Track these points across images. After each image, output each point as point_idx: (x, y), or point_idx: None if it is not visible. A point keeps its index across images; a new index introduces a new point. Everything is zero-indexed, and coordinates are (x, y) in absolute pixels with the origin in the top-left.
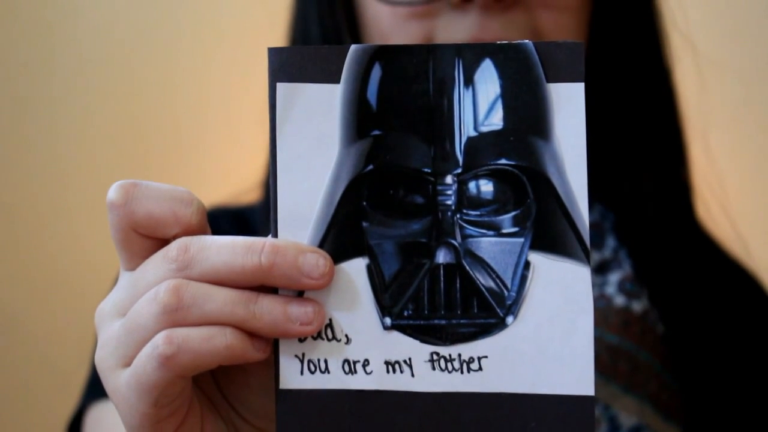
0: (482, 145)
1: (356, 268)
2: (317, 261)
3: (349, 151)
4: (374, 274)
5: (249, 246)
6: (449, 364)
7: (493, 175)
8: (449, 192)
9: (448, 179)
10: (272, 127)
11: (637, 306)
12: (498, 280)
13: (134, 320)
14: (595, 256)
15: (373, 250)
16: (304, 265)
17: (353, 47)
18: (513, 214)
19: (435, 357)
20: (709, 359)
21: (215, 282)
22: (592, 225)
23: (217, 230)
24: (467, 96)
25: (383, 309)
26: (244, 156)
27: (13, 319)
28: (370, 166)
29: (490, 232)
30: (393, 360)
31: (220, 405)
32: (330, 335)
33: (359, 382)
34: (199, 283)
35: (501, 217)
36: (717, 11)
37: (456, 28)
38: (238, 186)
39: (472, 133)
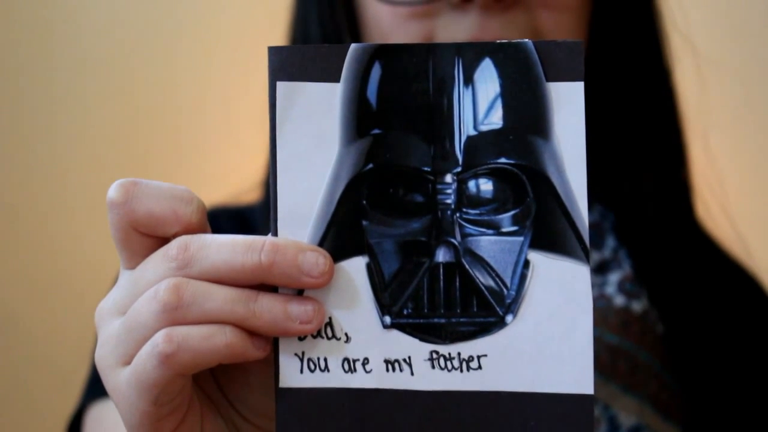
0: (482, 144)
1: (356, 267)
2: (317, 259)
3: (349, 150)
4: (374, 273)
5: (249, 244)
6: (449, 363)
7: (493, 174)
8: (449, 191)
9: (448, 178)
10: (272, 126)
11: (637, 306)
12: (497, 279)
13: (134, 319)
14: (595, 256)
15: (373, 248)
16: (304, 263)
17: (353, 46)
18: (512, 213)
19: (434, 356)
20: (709, 359)
21: (215, 280)
22: (591, 225)
23: (217, 230)
24: (467, 95)
25: (383, 308)
26: (244, 156)
27: (13, 318)
28: (370, 165)
29: (490, 231)
30: (393, 359)
31: (219, 403)
32: (330, 334)
33: (359, 380)
34: (199, 281)
35: (500, 216)
36: (717, 11)
37: (456, 28)
38: (238, 186)
39: (472, 132)
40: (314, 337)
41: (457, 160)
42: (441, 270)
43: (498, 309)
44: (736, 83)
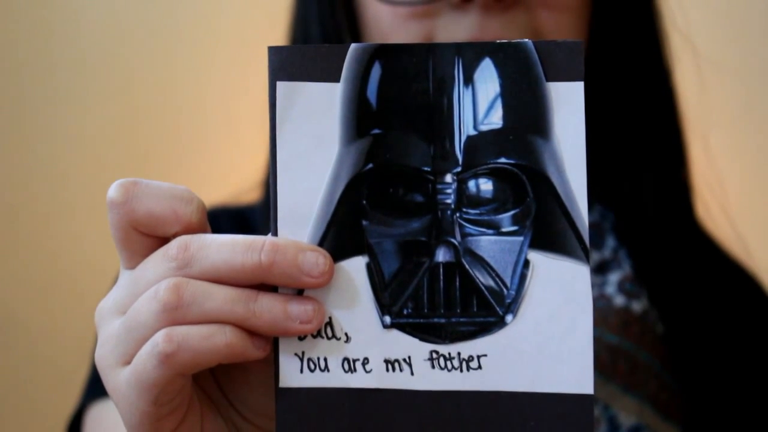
0: (482, 143)
1: (356, 267)
2: (317, 259)
3: (349, 150)
4: (374, 273)
5: (249, 244)
6: (449, 363)
7: (493, 174)
8: (449, 191)
9: (448, 178)
10: (272, 125)
11: (637, 306)
12: (497, 279)
13: (134, 318)
14: (595, 256)
15: (373, 248)
16: (304, 263)
17: (353, 46)
18: (512, 212)
19: (434, 355)
20: (709, 359)
21: (215, 280)
22: (591, 225)
23: (217, 230)
24: (467, 95)
25: (383, 307)
26: (244, 156)
27: (13, 318)
28: (370, 165)
29: (490, 231)
30: (392, 358)
31: (219, 403)
32: (330, 333)
33: (359, 380)
34: (199, 281)
35: (500, 216)
36: (717, 11)
37: (456, 28)
38: (238, 186)
39: (472, 132)
40: (314, 336)
41: (457, 160)
42: (441, 270)
43: (498, 309)
44: (736, 83)
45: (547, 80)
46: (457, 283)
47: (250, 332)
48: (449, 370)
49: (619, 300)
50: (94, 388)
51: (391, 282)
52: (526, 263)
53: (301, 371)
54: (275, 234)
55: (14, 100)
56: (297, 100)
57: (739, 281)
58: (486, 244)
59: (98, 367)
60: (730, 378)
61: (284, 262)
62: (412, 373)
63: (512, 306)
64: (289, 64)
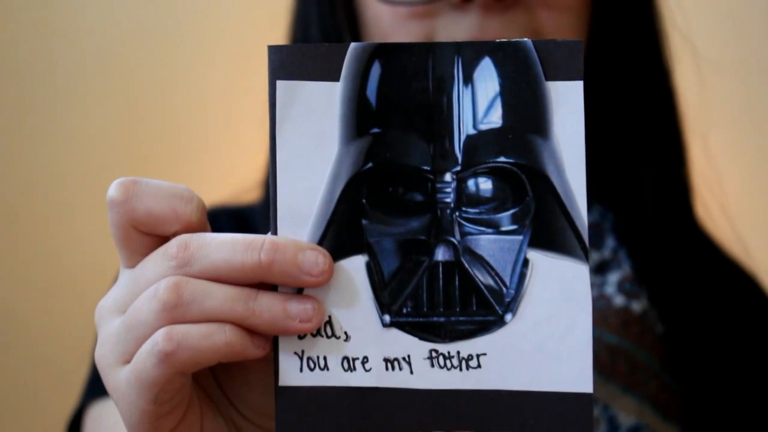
0: (481, 143)
1: (355, 266)
2: (316, 258)
3: (349, 149)
4: (373, 272)
5: (249, 243)
6: (448, 362)
7: (492, 173)
8: (448, 190)
9: (447, 177)
10: (272, 124)
11: (637, 306)
12: (497, 278)
13: (134, 317)
14: (595, 256)
15: (373, 247)
16: (304, 262)
17: (353, 45)
18: (512, 211)
19: (434, 354)
20: (709, 359)
21: (215, 279)
22: (591, 225)
23: (217, 229)
24: (466, 94)
25: (382, 306)
26: (244, 155)
27: (13, 318)
28: (370, 164)
29: (489, 230)
30: (392, 357)
31: (219, 402)
32: (329, 332)
33: (358, 379)
34: (199, 280)
35: (500, 215)
36: (717, 11)
37: (456, 28)
38: (238, 186)
39: (471, 131)
40: (314, 335)
41: (457, 159)
42: (440, 269)
43: (497, 308)
44: (736, 83)
45: (547, 79)
46: (457, 282)
47: (250, 331)
48: (449, 369)
49: (619, 300)
50: (94, 388)
51: (391, 281)
52: (526, 262)
53: (301, 370)
54: (275, 233)
55: (14, 100)
56: (297, 100)
57: (739, 281)
58: (485, 243)
59: (98, 366)
60: (730, 378)
61: (284, 261)
62: (411, 372)
63: (511, 305)
64: (288, 63)
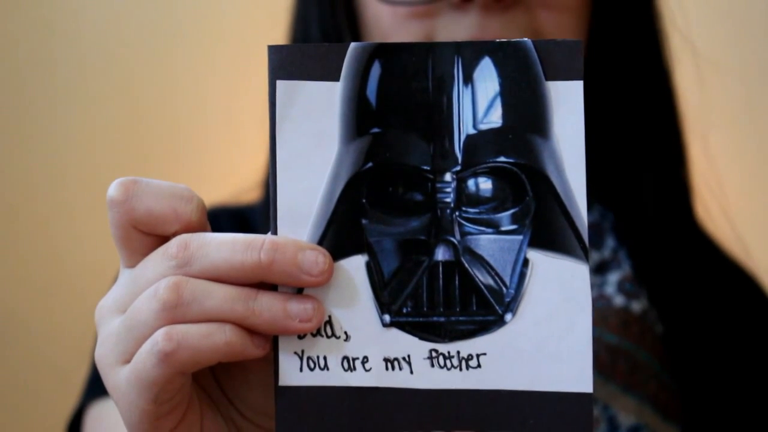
0: (481, 142)
1: (355, 266)
2: (316, 258)
3: (349, 149)
4: (373, 272)
5: (249, 243)
6: (448, 361)
7: (492, 173)
8: (448, 189)
9: (447, 177)
10: (272, 124)
11: (637, 306)
12: (497, 278)
13: (134, 317)
14: (595, 256)
15: (373, 247)
16: (304, 262)
17: (353, 45)
18: (512, 211)
19: (434, 354)
20: (708, 360)
21: (215, 279)
22: (591, 225)
23: (217, 229)
24: (466, 94)
25: (382, 306)
26: (244, 155)
27: (13, 318)
28: (370, 164)
29: (489, 230)
30: (392, 357)
31: (219, 402)
32: (329, 332)
33: (358, 379)
34: (199, 279)
35: (500, 215)
36: (717, 11)
37: (456, 28)
38: (238, 186)
39: (471, 131)
40: (314, 335)
41: (457, 159)
42: (440, 268)
43: (497, 307)
44: (736, 83)
45: (547, 79)
46: (457, 282)
47: (250, 331)
48: (448, 369)
49: (619, 300)
50: (94, 388)
51: (391, 281)
52: (526, 262)
53: (301, 370)
54: (275, 233)
55: (14, 100)
56: (297, 99)
57: (739, 282)
58: (485, 242)
59: (98, 365)
60: (730, 378)
61: (284, 261)
62: (411, 372)
63: (511, 305)
64: (288, 63)
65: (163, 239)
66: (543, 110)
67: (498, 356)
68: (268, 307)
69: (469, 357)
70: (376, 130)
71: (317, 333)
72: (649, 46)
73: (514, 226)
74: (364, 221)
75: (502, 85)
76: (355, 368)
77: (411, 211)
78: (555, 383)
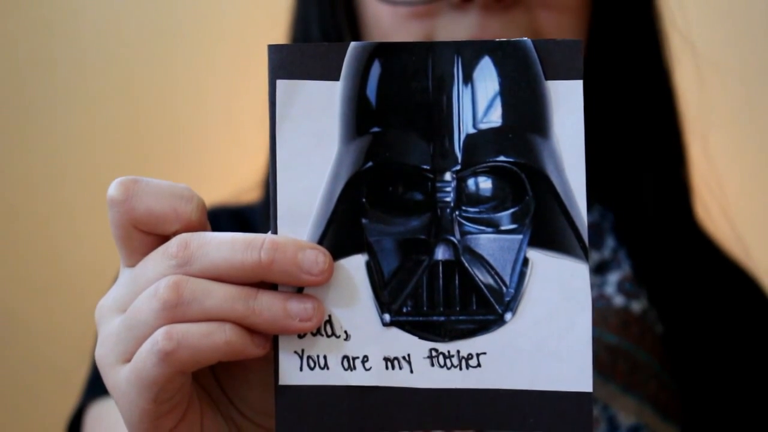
0: (481, 142)
1: (355, 265)
2: (316, 257)
3: (349, 148)
4: (373, 271)
5: (249, 242)
6: (448, 361)
7: (492, 172)
8: (448, 189)
9: (447, 176)
10: (272, 124)
11: (637, 306)
12: (496, 277)
13: (134, 316)
14: (595, 256)
15: (372, 246)
16: (304, 261)
17: (353, 44)
18: (512, 211)
19: (434, 353)
20: (708, 360)
21: (215, 278)
22: (591, 225)
23: (216, 229)
24: (466, 93)
25: (382, 305)
26: (244, 155)
27: (13, 318)
28: (370, 163)
29: (489, 229)
30: (392, 356)
31: (219, 401)
32: (329, 331)
33: (358, 378)
34: (199, 279)
35: (500, 214)
36: (717, 11)
37: (456, 28)
38: (238, 185)
39: (471, 131)
40: (314, 334)
41: (457, 159)
42: (440, 268)
43: (497, 307)
44: (736, 83)
45: (546, 79)
46: (457, 281)
47: (250, 330)
48: (448, 368)
49: (619, 300)
50: (95, 387)
51: (391, 280)
52: (525, 261)
53: (301, 369)
54: (275, 232)
55: (14, 100)
56: (297, 99)
57: (739, 282)
58: (485, 242)
59: (98, 365)
60: (729, 378)
61: (284, 260)
62: (411, 371)
63: (511, 304)
64: (288, 62)
65: (164, 239)
66: (543, 110)
67: (498, 355)
68: (268, 307)
69: (469, 356)
70: (376, 129)
71: (317, 332)
72: (649, 46)
73: (513, 226)
74: (364, 221)
75: (501, 84)
76: (355, 367)
77: (411, 211)
78: (555, 382)
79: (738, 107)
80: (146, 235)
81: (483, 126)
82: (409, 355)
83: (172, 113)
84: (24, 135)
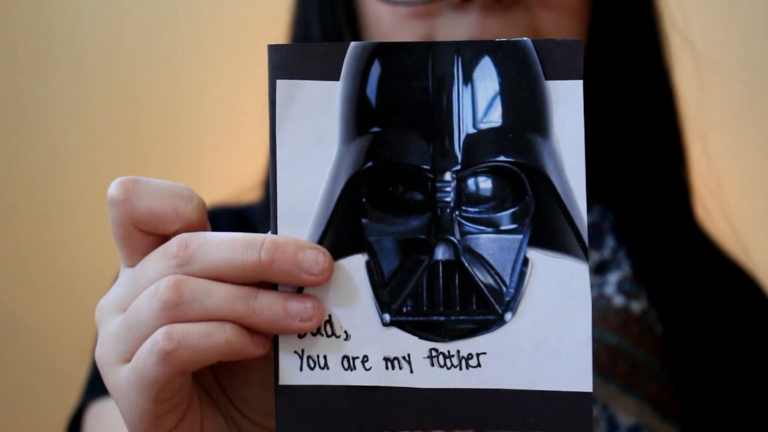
0: (481, 142)
1: (355, 265)
2: (317, 257)
3: (349, 148)
4: (373, 271)
5: (249, 242)
6: (448, 361)
7: (492, 172)
8: (448, 189)
9: (447, 176)
10: (272, 124)
11: (636, 306)
12: (496, 277)
13: (134, 316)
14: (595, 257)
15: (373, 246)
16: (304, 261)
17: (353, 44)
18: (512, 210)
19: (434, 353)
20: (708, 360)
21: (215, 278)
22: (591, 225)
23: (217, 229)
24: (466, 93)
25: (382, 305)
26: (244, 155)
27: (13, 318)
28: (370, 163)
29: (489, 229)
30: (392, 356)
31: (219, 401)
32: (329, 331)
33: (358, 378)
34: (199, 279)
35: (500, 214)
36: (717, 12)
37: (456, 28)
38: (238, 185)
39: (471, 131)
40: (314, 334)
41: (457, 158)
42: (440, 268)
43: (497, 307)
44: (736, 83)
45: (546, 79)
46: (457, 281)
47: (250, 330)
48: (448, 368)
49: (619, 300)
50: (95, 387)
51: (391, 280)
52: (525, 261)
53: (301, 369)
54: (275, 232)
55: (14, 100)
56: (297, 99)
57: (738, 282)
58: (485, 242)
59: (98, 364)
60: (729, 378)
61: (284, 260)
62: (411, 371)
63: (511, 304)
64: (289, 62)
65: (164, 238)
66: (543, 110)
67: (498, 355)
68: (268, 306)
69: (469, 356)
70: (376, 129)
71: (317, 332)
72: (648, 47)
73: (513, 226)
74: (364, 220)
75: (501, 84)
76: (355, 367)
77: (411, 211)
78: (555, 382)
79: (738, 107)
80: (146, 235)
81: (483, 126)
82: (409, 355)
83: (172, 113)
84: (24, 135)
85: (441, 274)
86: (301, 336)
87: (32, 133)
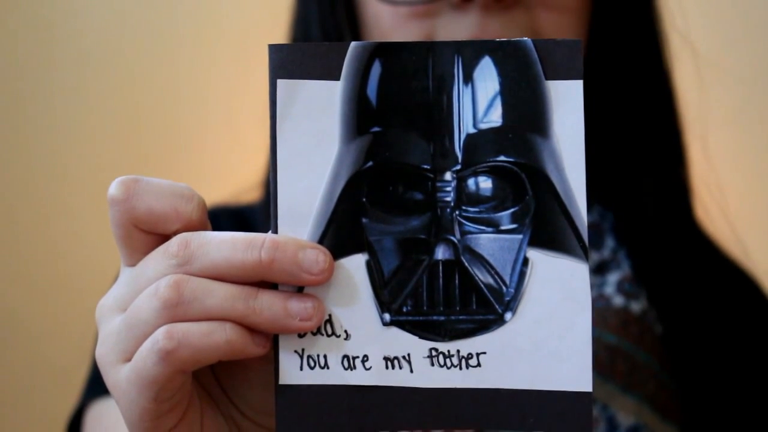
0: (481, 142)
1: (356, 264)
2: (317, 257)
3: (349, 148)
4: (373, 270)
5: (249, 241)
6: (448, 360)
7: (492, 172)
8: (448, 189)
9: (447, 176)
10: (272, 123)
11: (636, 306)
12: (496, 277)
13: (135, 315)
14: (594, 257)
15: (373, 246)
16: (304, 260)
17: (353, 44)
18: (512, 210)
19: (434, 353)
20: (708, 360)
21: (215, 277)
22: (591, 225)
23: (217, 229)
24: (466, 93)
25: (382, 305)
26: (244, 155)
27: (13, 318)
28: (370, 163)
29: (489, 229)
30: (392, 356)
31: (220, 400)
32: (329, 331)
33: (358, 377)
34: (200, 278)
35: (500, 214)
36: (716, 12)
37: (456, 28)
38: (238, 185)
39: (471, 130)
40: (314, 334)
41: (457, 158)
42: (440, 267)
43: (497, 306)
44: (736, 84)
45: (547, 79)
46: (457, 281)
47: (250, 329)
48: (448, 368)
49: (618, 300)
50: (95, 386)
51: (391, 279)
52: (525, 261)
53: (301, 368)
54: (275, 231)
55: (14, 99)
56: (297, 98)
57: (738, 282)
58: (485, 242)
59: (99, 364)
60: (729, 379)
61: (284, 260)
62: (411, 371)
63: (511, 304)
64: (289, 62)
65: (164, 238)
66: (543, 110)
67: (498, 355)
68: (268, 306)
69: (469, 356)
70: (376, 129)
71: (317, 332)
72: (648, 47)
73: (514, 225)
74: (364, 220)
75: (502, 84)
76: (355, 367)
77: (411, 210)
78: (555, 382)
79: (738, 107)
80: (147, 235)
81: (483, 126)
82: (409, 355)
83: (172, 113)
84: (24, 135)
85: (441, 274)
86: (301, 335)
87: (32, 133)
